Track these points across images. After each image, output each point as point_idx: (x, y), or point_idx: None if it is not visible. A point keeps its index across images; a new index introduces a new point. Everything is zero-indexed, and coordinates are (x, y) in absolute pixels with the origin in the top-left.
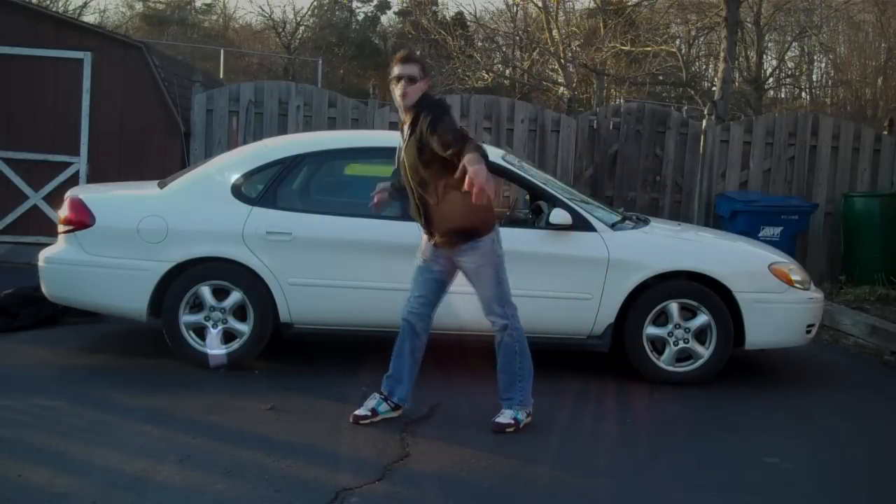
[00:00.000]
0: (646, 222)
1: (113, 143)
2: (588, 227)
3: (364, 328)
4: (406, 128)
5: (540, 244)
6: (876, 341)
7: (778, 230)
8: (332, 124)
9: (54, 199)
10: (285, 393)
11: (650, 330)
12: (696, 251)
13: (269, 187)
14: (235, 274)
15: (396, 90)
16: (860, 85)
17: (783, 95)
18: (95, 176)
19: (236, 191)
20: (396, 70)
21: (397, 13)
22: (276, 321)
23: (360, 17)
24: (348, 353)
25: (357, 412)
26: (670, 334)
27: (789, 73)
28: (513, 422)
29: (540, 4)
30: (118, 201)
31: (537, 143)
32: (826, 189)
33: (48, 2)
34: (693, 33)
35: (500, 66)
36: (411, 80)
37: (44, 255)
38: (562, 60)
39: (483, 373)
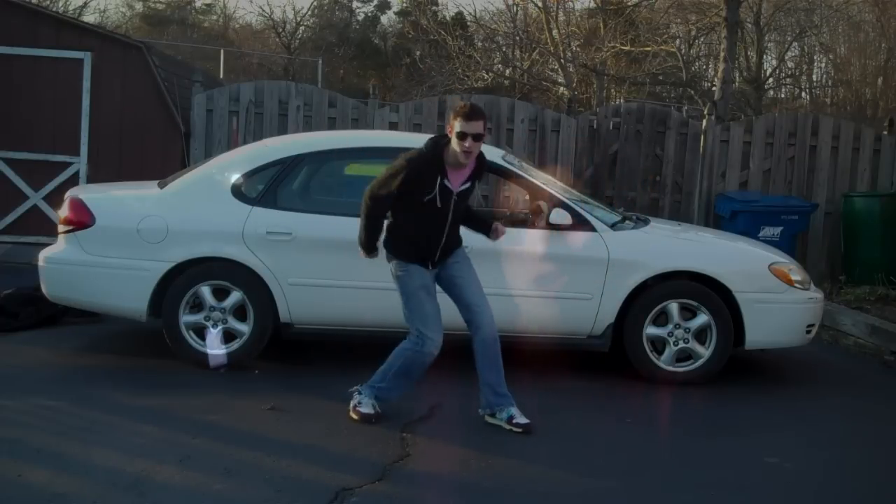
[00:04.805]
0: (646, 222)
1: (113, 143)
2: (588, 227)
3: (364, 328)
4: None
5: (540, 244)
6: (876, 341)
7: (778, 230)
8: (332, 124)
9: (54, 199)
10: (285, 393)
11: (650, 330)
12: (696, 251)
13: (269, 187)
14: (235, 274)
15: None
16: (860, 85)
17: (783, 95)
18: (95, 176)
19: (236, 191)
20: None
21: (397, 13)
22: (276, 321)
23: (360, 17)
24: (348, 353)
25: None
26: (670, 334)
27: (789, 73)
28: None
29: (540, 4)
30: (118, 201)
31: (537, 143)
32: (826, 189)
33: (48, 2)
34: (693, 33)
35: (499, 66)
36: None
37: (44, 255)
38: (562, 60)
39: None
